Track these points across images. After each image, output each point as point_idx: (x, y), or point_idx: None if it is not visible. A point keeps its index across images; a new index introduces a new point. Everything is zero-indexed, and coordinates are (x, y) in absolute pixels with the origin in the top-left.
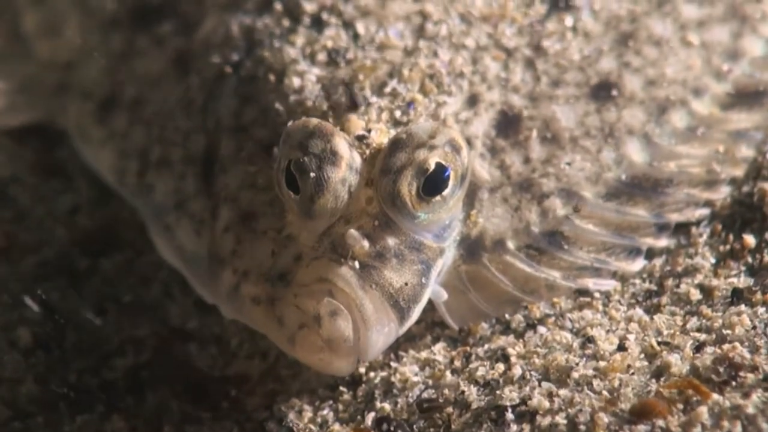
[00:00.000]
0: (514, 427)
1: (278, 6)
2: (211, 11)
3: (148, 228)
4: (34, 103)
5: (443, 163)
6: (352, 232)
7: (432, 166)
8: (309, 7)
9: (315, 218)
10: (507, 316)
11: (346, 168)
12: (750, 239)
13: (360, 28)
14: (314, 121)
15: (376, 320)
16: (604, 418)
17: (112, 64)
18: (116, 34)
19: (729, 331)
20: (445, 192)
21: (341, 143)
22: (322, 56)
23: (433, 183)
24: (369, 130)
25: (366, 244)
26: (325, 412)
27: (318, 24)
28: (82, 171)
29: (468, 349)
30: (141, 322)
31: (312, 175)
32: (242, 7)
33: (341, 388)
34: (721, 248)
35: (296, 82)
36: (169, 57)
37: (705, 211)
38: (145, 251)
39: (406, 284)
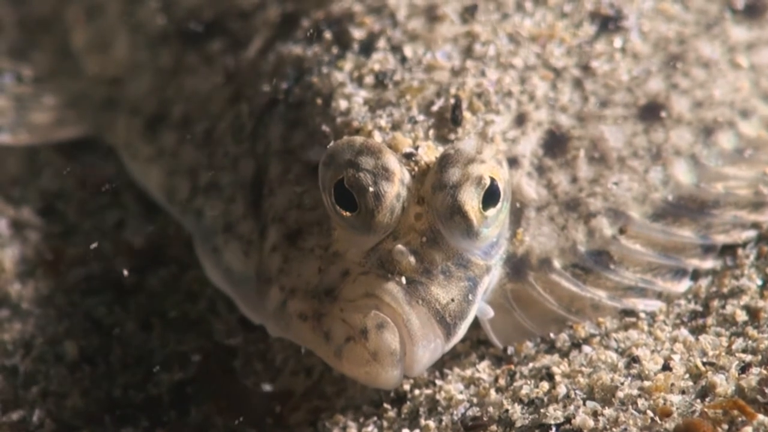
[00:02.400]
0: None
1: (327, 35)
2: (260, 30)
3: (196, 247)
4: (82, 118)
5: (493, 176)
6: (400, 247)
7: (488, 180)
8: (358, 35)
9: (373, 233)
10: (552, 335)
11: (399, 183)
12: None
13: (407, 51)
14: (359, 138)
15: (422, 335)
16: None
17: (161, 81)
18: (165, 50)
19: None
20: (498, 205)
21: (392, 159)
22: (369, 79)
23: (489, 196)
24: (416, 147)
25: (413, 259)
26: (369, 428)
27: (366, 49)
28: (128, 187)
29: (513, 367)
30: (186, 337)
31: (371, 189)
32: (292, 36)
33: (386, 405)
34: None
35: (343, 104)
36: (219, 76)
37: (751, 233)
38: (191, 267)
39: (453, 300)
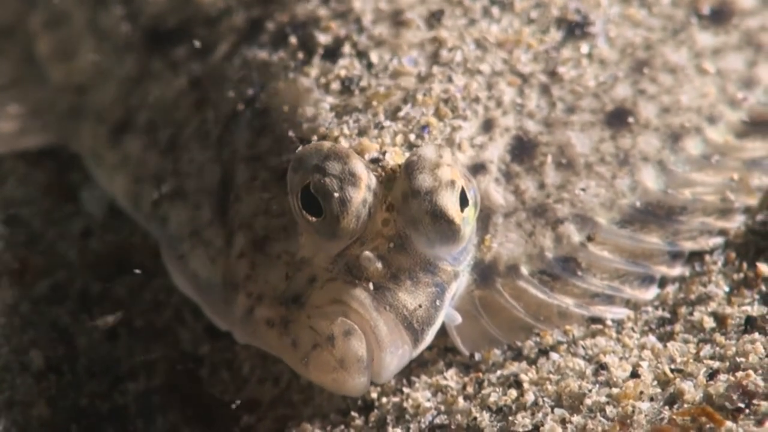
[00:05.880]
0: None
1: (293, 39)
2: (225, 37)
3: (162, 253)
4: (47, 127)
5: (457, 178)
6: (367, 253)
7: (459, 183)
8: (323, 39)
9: (339, 238)
10: (519, 342)
11: (366, 188)
12: (764, 267)
13: (374, 57)
14: (327, 143)
15: (390, 342)
16: None
17: (126, 88)
18: (130, 57)
19: (742, 359)
20: (470, 204)
21: (359, 164)
22: (335, 85)
23: (463, 197)
24: (383, 153)
25: (380, 265)
26: None
27: (332, 55)
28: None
29: (480, 375)
30: (152, 346)
31: (336, 195)
32: (257, 40)
33: (353, 413)
34: (735, 276)
35: (310, 111)
36: (184, 82)
37: (719, 240)
38: (157, 275)
39: (420, 306)
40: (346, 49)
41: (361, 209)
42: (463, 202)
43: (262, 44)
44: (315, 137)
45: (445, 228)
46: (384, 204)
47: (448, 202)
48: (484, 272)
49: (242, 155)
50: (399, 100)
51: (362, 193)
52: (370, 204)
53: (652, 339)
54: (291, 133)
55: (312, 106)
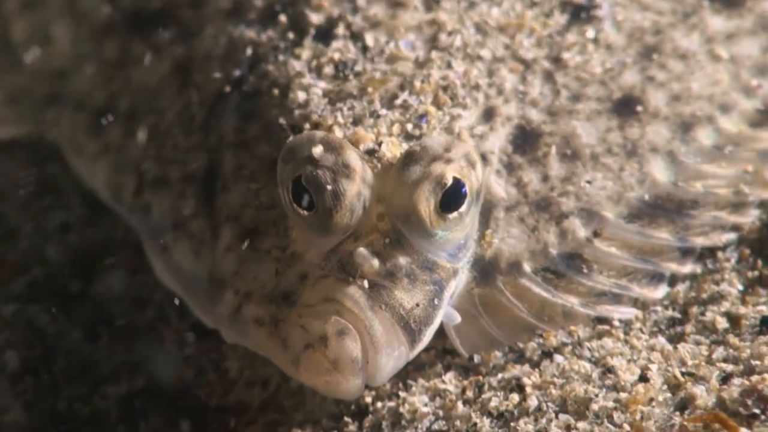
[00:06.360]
0: None
1: (283, 18)
2: (212, 20)
3: (144, 245)
4: (23, 115)
5: (459, 177)
6: (362, 250)
7: (450, 181)
8: (315, 19)
9: (331, 233)
10: (521, 344)
11: (360, 181)
12: None
13: (369, 39)
14: (320, 133)
15: (386, 342)
16: None
17: (107, 73)
18: (111, 41)
19: (758, 362)
20: (462, 208)
21: (352, 155)
22: (328, 69)
23: (450, 198)
24: (379, 143)
25: (376, 262)
26: None
27: (325, 36)
28: (74, 186)
29: (480, 378)
30: (135, 347)
31: (329, 188)
32: (245, 18)
33: (346, 418)
34: (749, 274)
35: (301, 96)
36: (168, 67)
37: (732, 235)
38: (139, 272)
39: (418, 305)
40: (340, 30)
41: (356, 203)
42: (455, 201)
43: (250, 22)
44: (307, 125)
45: (417, 227)
46: (378, 197)
47: (421, 199)
48: (485, 269)
49: (229, 141)
50: (396, 86)
51: (356, 186)
52: (365, 198)
53: (661, 340)
54: (281, 120)
55: (303, 91)
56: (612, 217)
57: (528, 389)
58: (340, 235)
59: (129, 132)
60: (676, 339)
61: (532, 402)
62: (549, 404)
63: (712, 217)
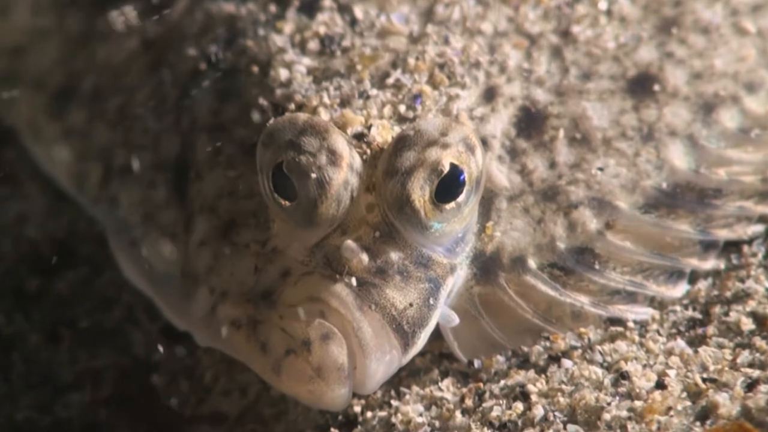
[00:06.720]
0: None
1: None
2: None
3: (110, 242)
4: None
5: (458, 164)
6: (350, 243)
7: (446, 168)
8: None
9: (316, 226)
10: (526, 347)
11: (348, 168)
12: None
13: (358, 12)
14: (303, 116)
15: (376, 346)
16: None
17: (69, 50)
18: (73, 14)
19: None
20: (460, 198)
21: (339, 140)
22: (313, 44)
23: (447, 187)
24: (369, 127)
25: (365, 257)
26: None
27: (309, 8)
28: (32, 174)
29: (481, 385)
30: (100, 351)
31: (313, 176)
32: None
33: (333, 430)
34: None
35: (283, 74)
36: (137, 43)
37: (759, 228)
38: (105, 269)
39: (411, 305)
40: (326, 1)
41: (342, 193)
42: (452, 190)
43: None
44: (291, 105)
45: (410, 218)
46: (368, 186)
47: (415, 187)
48: (486, 265)
49: (204, 124)
50: (387, 64)
51: (343, 174)
52: (353, 187)
53: (680, 343)
54: (261, 100)
55: (286, 69)
56: (626, 208)
57: (533, 397)
58: (325, 228)
59: (93, 115)
60: (696, 342)
61: (538, 411)
62: (556, 414)
63: (737, 208)
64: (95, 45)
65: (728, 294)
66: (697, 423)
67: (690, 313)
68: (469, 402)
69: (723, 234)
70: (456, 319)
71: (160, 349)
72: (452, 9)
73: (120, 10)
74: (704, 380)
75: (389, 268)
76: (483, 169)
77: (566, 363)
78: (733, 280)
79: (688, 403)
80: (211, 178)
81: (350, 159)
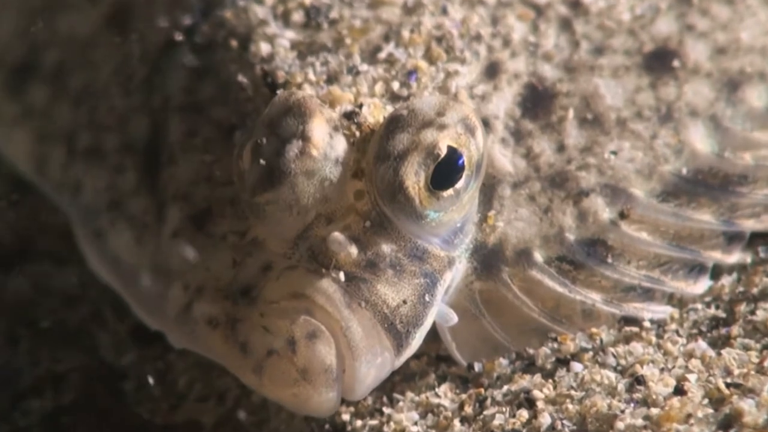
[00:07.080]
0: None
1: None
2: None
3: (75, 232)
4: None
5: (456, 146)
6: (337, 235)
7: (443, 151)
8: None
9: (264, 220)
10: (531, 349)
11: (319, 157)
12: None
13: None
14: (299, 94)
15: (366, 348)
16: None
17: (28, 22)
18: None
19: None
20: (459, 184)
21: (318, 127)
22: (298, 16)
23: (444, 172)
24: (359, 106)
25: (354, 250)
26: None
27: None
28: None
29: (482, 391)
30: (63, 353)
31: (262, 162)
32: None
33: None
34: None
35: (264, 48)
36: (102, 14)
37: None
38: (68, 263)
39: (405, 302)
40: None
41: (302, 182)
42: (450, 175)
43: None
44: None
45: (404, 207)
46: (355, 171)
47: (409, 173)
48: (487, 259)
49: (177, 103)
50: (379, 37)
51: (307, 163)
52: (326, 177)
53: (702, 345)
54: (241, 78)
55: (267, 43)
56: (642, 195)
57: (539, 404)
58: (285, 222)
59: (55, 92)
60: (719, 343)
61: (545, 420)
62: (565, 422)
63: (765, 196)
64: (57, 16)
65: (755, 290)
66: None
67: (712, 311)
68: (468, 409)
69: (749, 224)
70: (454, 318)
71: (129, 351)
72: None
73: None
74: (728, 385)
75: (380, 262)
76: (484, 152)
77: (576, 366)
78: (761, 275)
79: (710, 411)
80: (185, 162)
81: (325, 147)
